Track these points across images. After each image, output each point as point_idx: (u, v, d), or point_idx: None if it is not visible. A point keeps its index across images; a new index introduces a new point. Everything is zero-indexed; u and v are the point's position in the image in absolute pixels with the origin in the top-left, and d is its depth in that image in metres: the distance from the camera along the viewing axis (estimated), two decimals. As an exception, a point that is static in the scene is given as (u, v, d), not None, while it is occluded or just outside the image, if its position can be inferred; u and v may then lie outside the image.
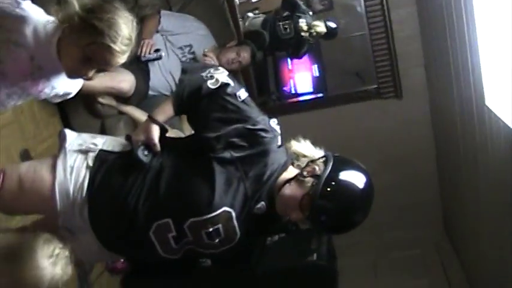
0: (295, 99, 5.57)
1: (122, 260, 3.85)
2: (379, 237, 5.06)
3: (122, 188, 2.04)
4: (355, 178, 1.99)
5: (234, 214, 2.01)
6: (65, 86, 1.93)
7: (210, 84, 2.06)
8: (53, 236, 1.78)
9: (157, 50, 3.73)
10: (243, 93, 2.09)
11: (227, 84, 2.07)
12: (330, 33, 5.18)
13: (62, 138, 2.14)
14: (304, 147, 2.13)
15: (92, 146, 2.12)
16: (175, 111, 2.16)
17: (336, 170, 1.98)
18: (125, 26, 1.74)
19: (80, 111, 3.72)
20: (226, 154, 2.01)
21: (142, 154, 2.06)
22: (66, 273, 1.74)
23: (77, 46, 1.71)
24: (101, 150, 2.12)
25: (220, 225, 2.00)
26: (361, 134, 4.81)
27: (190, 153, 2.10)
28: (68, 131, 2.17)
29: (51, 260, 1.68)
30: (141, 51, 3.69)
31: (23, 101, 1.87)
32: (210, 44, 4.06)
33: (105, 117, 3.68)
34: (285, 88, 5.72)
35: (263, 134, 2.03)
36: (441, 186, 5.01)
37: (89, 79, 1.82)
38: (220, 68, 2.17)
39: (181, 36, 3.97)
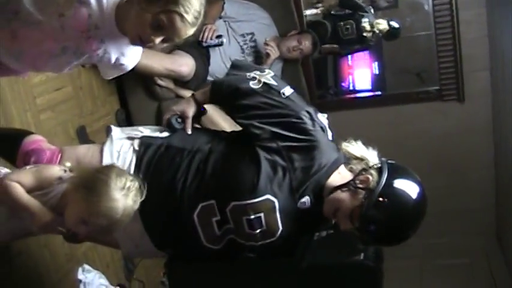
0: (353, 96, 5.51)
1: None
2: (428, 242, 4.95)
3: (169, 169, 2.06)
4: (408, 192, 1.94)
5: (277, 205, 1.98)
6: (118, 54, 1.94)
7: (252, 84, 2.07)
8: (124, 170, 1.89)
9: (219, 36, 3.74)
10: (287, 90, 2.07)
11: (269, 84, 2.07)
12: (392, 33, 5.08)
13: (108, 131, 2.23)
14: (356, 149, 2.09)
15: (136, 132, 2.16)
16: (210, 99, 2.21)
17: (389, 184, 1.93)
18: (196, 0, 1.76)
19: (137, 92, 3.76)
20: (272, 143, 1.99)
21: (175, 121, 2.16)
22: (136, 204, 1.84)
23: (148, 12, 1.72)
24: (145, 136, 2.15)
25: (262, 214, 1.98)
26: (418, 135, 4.72)
27: (239, 142, 2.09)
28: (113, 127, 2.23)
29: (123, 192, 1.78)
30: (203, 36, 3.70)
31: (77, 61, 1.89)
32: (271, 34, 4.04)
33: (162, 100, 3.71)
34: (343, 84, 5.66)
35: (309, 126, 2.00)
36: (497, 195, 4.87)
37: (151, 47, 1.85)
38: (266, 69, 2.17)
39: (244, 23, 3.96)
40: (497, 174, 4.82)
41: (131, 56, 2.05)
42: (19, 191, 1.81)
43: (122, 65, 2.03)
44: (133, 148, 2.11)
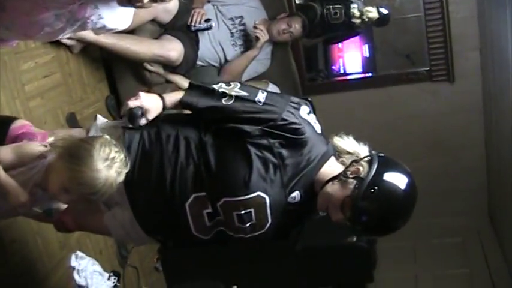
0: (343, 78, 5.50)
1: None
2: (421, 222, 4.94)
3: (161, 156, 2.06)
4: (398, 183, 1.95)
5: (268, 201, 1.99)
6: (112, 19, 1.93)
7: (225, 101, 2.03)
8: (110, 140, 1.86)
9: (207, 20, 3.72)
10: (261, 96, 2.04)
11: (241, 96, 2.03)
12: (382, 19, 5.04)
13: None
14: (347, 144, 2.11)
15: (120, 121, 2.17)
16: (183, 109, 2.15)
17: (379, 173, 1.94)
18: None
19: (127, 78, 3.75)
20: (263, 140, 1.99)
21: (140, 115, 2.06)
22: (120, 176, 1.84)
23: None
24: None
25: (252, 210, 1.99)
26: (409, 116, 4.73)
27: (228, 136, 2.05)
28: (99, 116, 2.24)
29: (107, 162, 1.78)
30: (192, 20, 3.68)
31: (70, 28, 1.87)
32: (261, 17, 4.02)
33: (152, 85, 3.70)
34: (333, 67, 5.64)
35: (296, 126, 2.00)
36: (488, 174, 4.90)
37: (141, 7, 1.79)
38: (231, 83, 2.11)
39: (233, 7, 3.94)
40: (488, 154, 4.84)
41: (124, 19, 2.02)
42: None
43: (114, 30, 2.01)
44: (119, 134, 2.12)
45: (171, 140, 2.07)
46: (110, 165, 1.79)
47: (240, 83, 2.12)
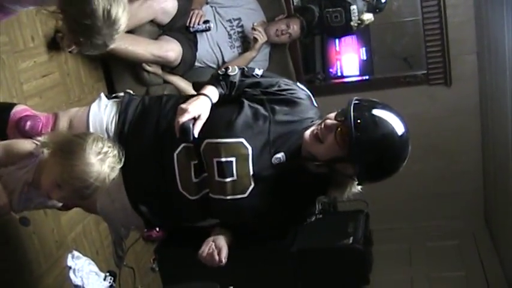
0: (340, 80, 5.51)
1: (157, 229, 3.90)
2: (417, 225, 5.01)
3: (158, 114, 2.11)
4: (389, 113, 1.96)
5: (250, 152, 1.98)
6: None
7: (232, 72, 2.10)
8: (103, 136, 1.88)
9: (206, 21, 3.73)
10: (258, 71, 2.14)
11: (243, 69, 2.14)
12: (378, 8, 5.02)
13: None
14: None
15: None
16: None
17: (362, 105, 1.91)
18: None
19: (125, 78, 3.75)
20: (258, 93, 2.05)
21: (192, 126, 1.93)
22: (114, 171, 1.83)
23: None
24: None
25: (234, 159, 1.97)
26: (406, 119, 4.70)
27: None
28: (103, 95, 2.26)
29: (99, 157, 1.78)
30: (190, 22, 3.68)
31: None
32: (259, 19, 4.03)
33: (150, 85, 3.70)
34: (331, 69, 5.65)
35: (291, 91, 2.07)
36: (484, 178, 4.91)
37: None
38: (228, 67, 2.15)
39: (231, 9, 3.94)
40: (485, 157, 4.85)
41: None
42: None
43: None
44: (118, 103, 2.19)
45: (170, 102, 2.14)
46: (103, 159, 1.78)
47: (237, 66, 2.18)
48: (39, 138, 1.93)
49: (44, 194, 1.89)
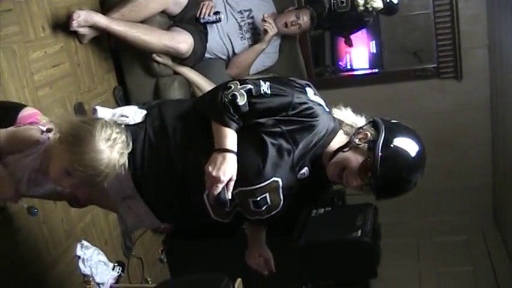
0: (350, 73, 5.50)
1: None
2: (425, 219, 5.00)
3: (168, 151, 2.04)
4: (409, 138, 1.99)
5: (281, 183, 2.00)
6: None
7: (240, 101, 1.96)
8: (111, 122, 1.84)
9: (216, 13, 3.72)
10: (266, 87, 2.00)
11: (250, 90, 1.98)
12: (391, 8, 5.02)
13: (94, 113, 2.11)
14: (346, 114, 2.13)
15: (123, 118, 2.08)
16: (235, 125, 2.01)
17: (390, 131, 1.98)
18: None
19: (135, 69, 3.75)
20: (277, 128, 1.99)
21: (224, 194, 1.93)
22: (123, 157, 1.82)
23: None
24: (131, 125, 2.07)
25: (267, 194, 2.00)
26: (416, 112, 4.70)
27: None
28: (98, 108, 2.12)
29: (109, 143, 1.76)
30: (201, 13, 3.68)
31: None
32: (269, 10, 4.02)
33: (160, 76, 3.70)
34: (340, 62, 5.64)
35: (308, 111, 2.01)
36: (494, 172, 4.89)
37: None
38: (230, 84, 2.03)
39: (242, 0, 3.94)
40: (494, 152, 4.83)
41: None
42: None
43: None
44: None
45: (177, 134, 2.06)
46: (112, 145, 1.76)
47: (238, 80, 2.07)
48: (48, 125, 1.92)
49: (53, 182, 1.88)
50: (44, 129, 1.86)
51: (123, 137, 1.82)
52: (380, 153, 1.93)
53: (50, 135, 1.82)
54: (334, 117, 2.11)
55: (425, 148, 2.00)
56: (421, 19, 5.25)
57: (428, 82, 4.76)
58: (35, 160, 1.84)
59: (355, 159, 1.98)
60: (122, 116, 2.06)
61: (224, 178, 1.90)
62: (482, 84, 4.67)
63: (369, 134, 2.00)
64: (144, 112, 2.12)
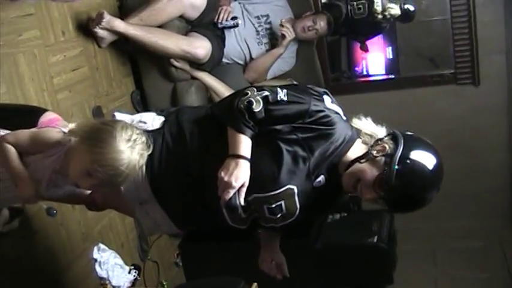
0: (366, 79, 5.49)
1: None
2: (441, 225, 4.96)
3: (185, 157, 2.05)
4: (426, 154, 1.97)
5: (296, 191, 2.00)
6: None
7: (255, 108, 1.96)
8: (131, 123, 1.86)
9: (234, 18, 3.74)
10: (282, 94, 2.00)
11: (266, 97, 1.98)
12: (407, 15, 5.01)
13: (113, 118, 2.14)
14: (366, 124, 2.12)
15: (141, 124, 2.08)
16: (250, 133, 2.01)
17: (407, 147, 1.95)
18: None
19: (153, 73, 3.77)
20: (293, 135, 1.98)
21: (237, 198, 1.95)
22: (143, 158, 1.83)
23: None
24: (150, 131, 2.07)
25: (282, 202, 2.00)
26: (433, 118, 4.70)
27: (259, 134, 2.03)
28: (117, 113, 2.13)
29: (129, 144, 1.77)
30: (219, 18, 3.69)
31: None
32: (286, 15, 4.03)
33: (177, 81, 3.71)
34: (356, 68, 5.63)
35: (325, 119, 2.00)
36: (511, 179, 4.85)
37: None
38: (247, 90, 2.03)
39: (259, 5, 3.95)
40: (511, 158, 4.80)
41: None
42: (11, 155, 1.82)
43: None
44: None
45: (194, 140, 2.06)
46: (132, 146, 1.77)
47: (256, 86, 2.07)
48: (69, 125, 1.94)
49: (73, 183, 1.89)
50: (65, 130, 1.87)
51: (143, 138, 1.84)
52: (396, 168, 1.91)
53: (71, 136, 1.84)
54: (351, 126, 2.10)
55: (442, 165, 1.97)
56: (438, 25, 5.23)
57: (445, 88, 4.74)
58: (56, 161, 1.85)
59: (370, 171, 1.96)
60: (141, 122, 2.06)
61: (236, 184, 1.91)
62: (500, 90, 4.64)
63: (387, 147, 1.98)
64: (162, 119, 2.13)
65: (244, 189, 1.95)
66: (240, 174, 1.92)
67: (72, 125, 1.93)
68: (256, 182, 1.97)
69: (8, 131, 1.95)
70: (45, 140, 1.86)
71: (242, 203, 1.96)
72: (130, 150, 1.77)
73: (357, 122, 2.13)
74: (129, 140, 1.77)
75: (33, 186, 1.86)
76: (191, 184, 2.05)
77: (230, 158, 1.95)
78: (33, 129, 1.91)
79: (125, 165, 1.75)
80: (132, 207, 2.20)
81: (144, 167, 2.00)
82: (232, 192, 1.92)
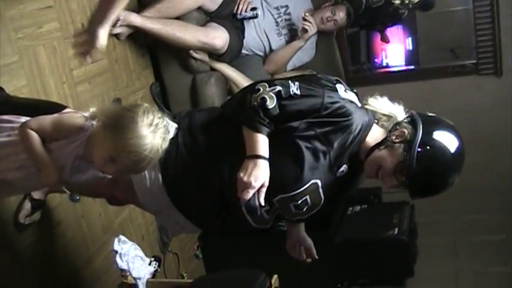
0: (386, 70, 5.46)
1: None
2: (463, 218, 4.93)
3: (202, 167, 2.04)
4: (447, 136, 1.95)
5: (320, 184, 1.99)
6: None
7: (270, 104, 1.93)
8: (152, 107, 1.83)
9: (253, 9, 3.71)
10: (295, 88, 1.97)
11: (279, 92, 1.95)
12: (427, 3, 4.94)
13: None
14: (383, 104, 2.09)
15: None
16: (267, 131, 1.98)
17: (427, 133, 1.93)
18: None
19: (172, 65, 3.76)
20: (311, 132, 1.96)
21: (256, 201, 1.95)
22: (165, 142, 1.81)
23: None
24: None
25: (307, 197, 1.99)
26: (453, 109, 4.62)
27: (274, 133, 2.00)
28: None
29: (151, 129, 1.76)
30: (238, 9, 3.67)
31: None
32: (306, 6, 4.00)
33: (197, 73, 3.70)
34: (376, 60, 5.60)
35: (341, 110, 1.97)
36: (534, 172, 4.80)
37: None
38: (258, 86, 2.00)
39: (278, -4, 3.92)
40: (535, 150, 4.74)
41: None
42: (34, 141, 1.81)
43: None
44: None
45: (209, 150, 2.05)
46: (154, 130, 1.77)
47: (266, 81, 2.04)
48: (90, 109, 1.94)
49: (96, 169, 1.89)
50: (88, 116, 1.87)
51: (164, 122, 1.83)
52: (415, 155, 1.89)
53: (94, 122, 1.84)
54: (367, 111, 2.07)
55: (464, 147, 1.95)
56: (459, 15, 5.19)
57: (466, 79, 4.70)
58: (79, 147, 1.85)
59: (390, 159, 1.95)
60: None
61: (256, 184, 1.89)
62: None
63: (406, 132, 1.96)
64: (175, 125, 2.08)
65: (264, 190, 1.92)
66: (259, 174, 1.90)
67: (93, 109, 1.93)
68: (280, 183, 1.96)
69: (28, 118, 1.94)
70: (68, 126, 1.86)
71: (262, 203, 1.94)
72: (153, 135, 1.76)
73: (373, 102, 2.10)
74: (151, 125, 1.76)
75: (57, 172, 1.86)
76: (210, 194, 2.04)
77: (248, 159, 1.93)
78: (56, 115, 1.90)
79: (148, 150, 1.74)
80: (154, 213, 2.21)
81: (160, 178, 2.03)
82: (251, 192, 1.90)
